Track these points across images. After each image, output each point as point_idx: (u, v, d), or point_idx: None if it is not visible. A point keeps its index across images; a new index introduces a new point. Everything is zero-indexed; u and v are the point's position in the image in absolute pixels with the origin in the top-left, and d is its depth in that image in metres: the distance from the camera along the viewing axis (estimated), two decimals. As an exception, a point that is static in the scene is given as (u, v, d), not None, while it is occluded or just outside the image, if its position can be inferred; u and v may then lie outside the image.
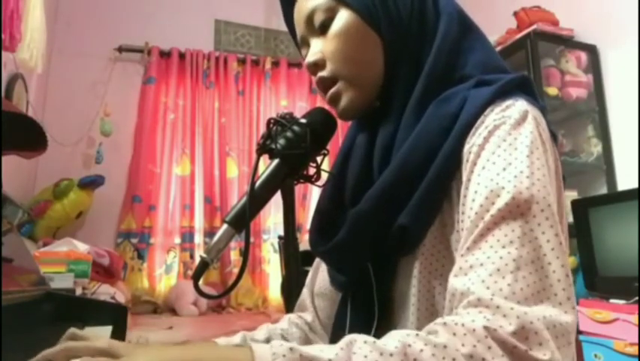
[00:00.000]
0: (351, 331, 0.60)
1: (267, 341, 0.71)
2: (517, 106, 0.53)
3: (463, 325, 0.41)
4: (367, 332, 0.58)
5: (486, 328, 0.41)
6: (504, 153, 0.50)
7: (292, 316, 0.77)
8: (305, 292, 0.79)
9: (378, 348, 0.40)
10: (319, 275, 0.78)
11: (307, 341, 0.74)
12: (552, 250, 0.46)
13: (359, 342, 0.41)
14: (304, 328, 0.75)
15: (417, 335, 0.42)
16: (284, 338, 0.73)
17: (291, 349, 0.40)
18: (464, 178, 0.52)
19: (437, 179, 0.54)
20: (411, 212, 0.55)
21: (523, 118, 0.52)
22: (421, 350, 0.40)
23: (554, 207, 0.48)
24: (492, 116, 0.53)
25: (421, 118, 0.58)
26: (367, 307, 0.60)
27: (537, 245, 0.46)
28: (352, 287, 0.65)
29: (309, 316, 0.76)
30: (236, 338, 0.69)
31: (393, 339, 0.41)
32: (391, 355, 0.39)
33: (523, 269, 0.44)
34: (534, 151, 0.50)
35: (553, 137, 0.59)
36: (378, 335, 0.54)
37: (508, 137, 0.51)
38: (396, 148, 0.59)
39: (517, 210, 0.47)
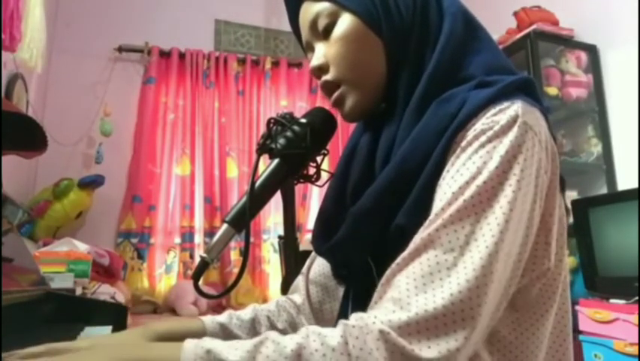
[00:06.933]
0: None
1: (252, 321, 0.74)
2: (509, 111, 0.53)
3: (361, 328, 0.45)
4: None
5: (381, 331, 0.44)
6: (479, 160, 0.52)
7: (281, 299, 0.79)
8: (300, 276, 0.80)
9: (278, 350, 0.44)
10: (316, 263, 0.79)
11: (294, 324, 0.76)
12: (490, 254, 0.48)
13: (268, 341, 0.45)
14: (291, 311, 0.77)
15: (319, 333, 0.46)
16: (270, 319, 0.75)
17: (208, 351, 0.44)
18: (443, 174, 0.54)
19: (431, 178, 0.55)
20: (408, 212, 0.55)
21: (509, 126, 0.52)
22: (316, 350, 0.44)
23: (512, 215, 0.50)
24: (483, 120, 0.54)
25: (422, 118, 0.58)
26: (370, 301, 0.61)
27: (478, 249, 0.49)
28: (354, 281, 0.66)
29: (298, 298, 0.78)
30: (223, 317, 0.72)
31: (292, 340, 0.45)
32: (286, 358, 0.44)
33: (453, 275, 0.47)
34: (509, 160, 0.51)
35: (552, 138, 0.59)
36: None
37: (488, 144, 0.52)
38: (397, 147, 0.59)
39: (468, 219, 0.50)
